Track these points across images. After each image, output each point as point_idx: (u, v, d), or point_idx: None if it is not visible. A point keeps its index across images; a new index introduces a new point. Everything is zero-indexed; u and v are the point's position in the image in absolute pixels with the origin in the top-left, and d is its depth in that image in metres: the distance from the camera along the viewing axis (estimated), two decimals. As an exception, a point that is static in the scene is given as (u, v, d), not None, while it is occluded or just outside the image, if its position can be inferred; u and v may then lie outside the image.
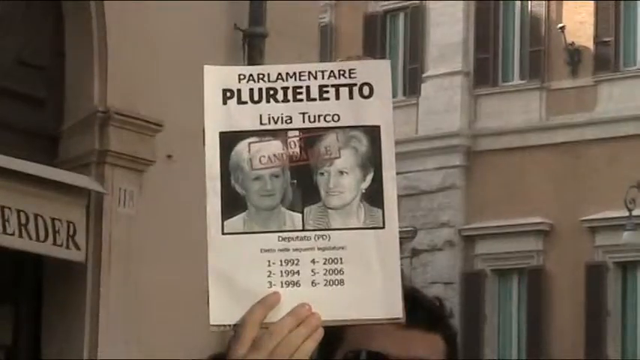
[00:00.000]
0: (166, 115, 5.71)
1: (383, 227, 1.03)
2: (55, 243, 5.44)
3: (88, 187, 5.60)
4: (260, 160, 1.03)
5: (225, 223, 1.02)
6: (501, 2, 18.95)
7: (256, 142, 1.03)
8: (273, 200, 1.04)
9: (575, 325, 17.38)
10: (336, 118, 1.05)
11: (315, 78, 1.06)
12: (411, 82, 19.11)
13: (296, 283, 1.02)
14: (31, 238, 5.37)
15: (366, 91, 1.06)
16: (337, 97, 1.05)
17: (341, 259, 1.02)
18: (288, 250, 1.02)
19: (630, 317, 17.53)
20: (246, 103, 1.05)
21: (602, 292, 17.34)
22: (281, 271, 1.01)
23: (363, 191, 1.04)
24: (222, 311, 1.00)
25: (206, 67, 1.06)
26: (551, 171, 17.71)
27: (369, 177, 1.04)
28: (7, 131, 5.50)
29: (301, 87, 1.06)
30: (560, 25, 17.93)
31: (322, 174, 1.04)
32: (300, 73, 1.06)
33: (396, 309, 1.01)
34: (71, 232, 5.47)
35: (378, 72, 1.06)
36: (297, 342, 0.97)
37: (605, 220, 17.03)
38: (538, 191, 17.67)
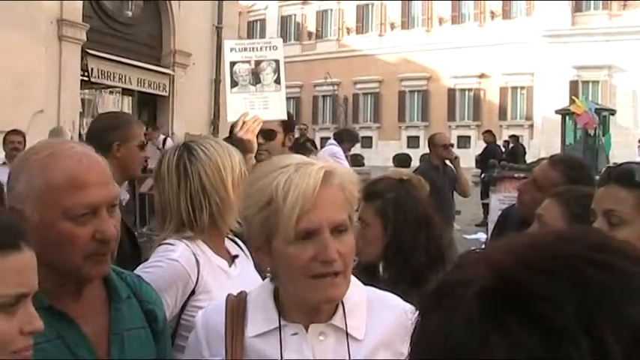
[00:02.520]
0: (194, 52, 17.79)
1: (280, 90, 3.07)
2: (160, 90, 17.60)
3: (170, 73, 17.51)
4: (242, 70, 3.05)
5: (232, 89, 3.06)
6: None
7: (241, 64, 3.08)
8: (246, 82, 3.04)
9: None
10: (266, 56, 3.04)
11: (260, 43, 3.10)
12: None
13: (254, 108, 3.03)
14: (153, 89, 17.40)
15: (274, 48, 3.08)
16: (267, 50, 3.07)
17: (267, 101, 3.05)
18: (251, 98, 3.04)
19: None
20: (238, 52, 3.07)
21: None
22: (250, 104, 3.05)
23: (274, 79, 3.01)
24: (232, 116, 3.08)
25: (226, 41, 3.25)
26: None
27: (276, 75, 3.05)
28: (146, 56, 17.02)
29: (256, 46, 3.07)
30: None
31: (261, 74, 3.04)
32: (255, 42, 3.11)
33: (284, 114, 3.18)
34: (165, 86, 17.53)
35: (278, 41, 3.19)
36: (254, 126, 3.00)
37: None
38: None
